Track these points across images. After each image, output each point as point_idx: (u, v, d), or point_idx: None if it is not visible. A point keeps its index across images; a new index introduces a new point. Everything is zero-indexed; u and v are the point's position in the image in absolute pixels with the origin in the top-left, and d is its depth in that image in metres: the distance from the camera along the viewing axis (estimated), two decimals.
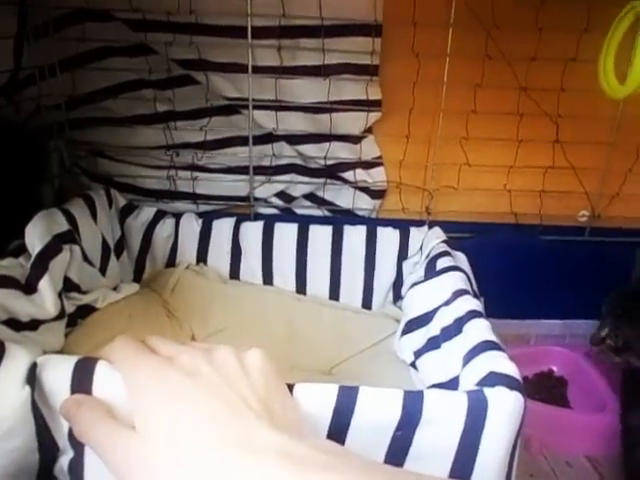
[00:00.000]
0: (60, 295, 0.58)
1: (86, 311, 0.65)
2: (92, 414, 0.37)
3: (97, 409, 0.37)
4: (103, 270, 0.70)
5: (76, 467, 0.39)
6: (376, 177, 0.85)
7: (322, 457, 0.29)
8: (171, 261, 0.79)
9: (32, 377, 0.39)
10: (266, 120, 0.80)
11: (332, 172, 0.84)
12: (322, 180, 0.85)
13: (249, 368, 0.36)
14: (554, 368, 0.82)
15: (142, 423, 0.33)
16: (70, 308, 0.61)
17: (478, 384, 0.42)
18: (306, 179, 0.85)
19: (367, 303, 0.77)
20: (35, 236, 0.57)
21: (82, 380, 0.39)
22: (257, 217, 0.85)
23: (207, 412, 0.32)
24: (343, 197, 0.86)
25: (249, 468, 0.29)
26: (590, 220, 0.89)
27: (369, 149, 0.84)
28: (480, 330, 0.49)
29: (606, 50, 0.64)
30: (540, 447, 0.67)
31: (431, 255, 0.67)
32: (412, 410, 0.39)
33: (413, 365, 0.62)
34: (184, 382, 0.34)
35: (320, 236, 0.78)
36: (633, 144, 0.85)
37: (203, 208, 0.85)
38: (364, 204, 0.86)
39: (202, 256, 0.79)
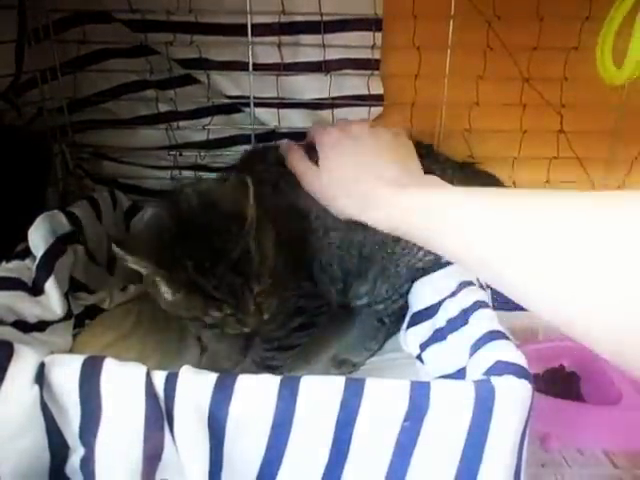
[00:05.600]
0: (67, 296, 0.59)
1: (94, 312, 0.65)
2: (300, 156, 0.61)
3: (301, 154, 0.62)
4: (110, 269, 0.70)
5: (88, 465, 0.40)
6: None
7: None
8: None
9: (40, 377, 0.39)
10: (268, 117, 0.80)
11: None
12: None
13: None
14: (565, 364, 0.81)
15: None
16: (77, 309, 0.61)
17: (485, 373, 0.42)
18: None
19: None
20: (38, 238, 0.58)
21: (90, 379, 0.40)
22: None
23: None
24: None
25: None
26: None
27: None
28: (486, 320, 0.49)
29: (604, 36, 0.64)
30: (557, 443, 0.67)
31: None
32: (419, 401, 0.39)
33: (419, 358, 0.62)
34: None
35: None
36: (638, 133, 0.84)
37: None
38: None
39: None
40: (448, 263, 0.62)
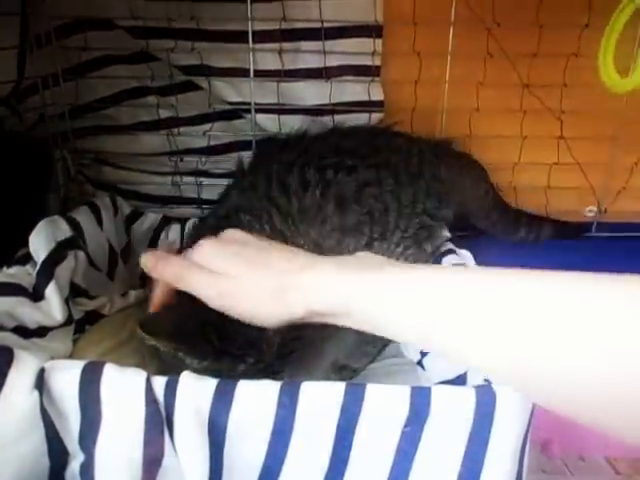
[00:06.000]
0: (67, 301, 0.58)
1: (94, 317, 0.65)
2: (182, 262, 0.48)
3: (183, 260, 0.48)
4: (111, 275, 0.70)
5: (87, 471, 0.40)
6: None
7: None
8: None
9: (40, 382, 0.39)
10: (269, 124, 0.80)
11: None
12: None
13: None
14: None
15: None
16: (78, 314, 0.61)
17: (486, 379, 0.42)
18: None
19: None
20: (39, 244, 0.58)
21: (90, 384, 0.40)
22: None
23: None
24: None
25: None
26: (597, 215, 0.89)
27: None
28: None
29: (606, 43, 0.64)
30: (560, 450, 0.67)
31: (437, 253, 0.67)
32: (420, 407, 0.39)
33: (420, 364, 0.62)
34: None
35: None
36: (638, 138, 0.84)
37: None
38: None
39: None
40: (449, 253, 0.63)
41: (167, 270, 0.48)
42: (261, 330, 0.48)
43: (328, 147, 0.66)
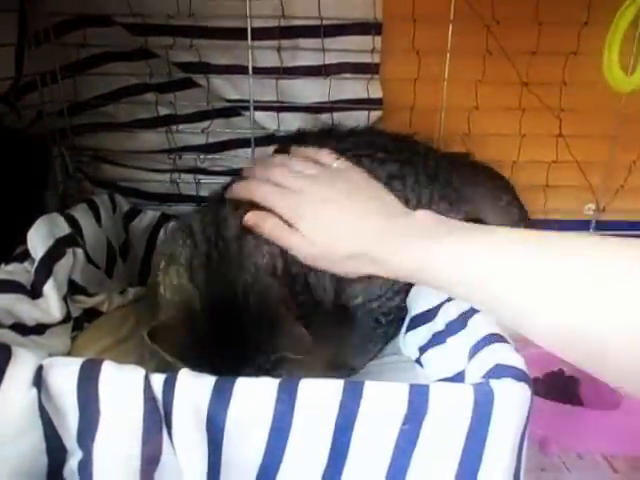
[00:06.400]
0: (65, 299, 0.58)
1: (92, 315, 0.65)
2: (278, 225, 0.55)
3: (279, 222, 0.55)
4: (109, 272, 0.70)
5: (85, 468, 0.39)
6: None
7: None
8: None
9: (38, 380, 0.39)
10: (268, 121, 0.80)
11: None
12: None
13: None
14: (564, 368, 0.81)
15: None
16: (76, 312, 0.61)
17: (484, 377, 0.42)
18: None
19: None
20: (37, 241, 0.57)
21: (88, 382, 0.39)
22: None
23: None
24: None
25: None
26: (595, 213, 0.89)
27: None
28: (485, 323, 0.49)
29: (610, 42, 0.64)
30: (557, 448, 0.67)
31: None
32: (418, 404, 0.39)
33: (418, 361, 0.62)
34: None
35: None
36: (637, 136, 0.84)
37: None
38: None
39: None
40: None
41: (266, 227, 0.55)
42: (263, 353, 0.49)
43: (362, 140, 0.69)
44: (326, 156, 0.60)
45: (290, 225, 0.55)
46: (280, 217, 0.55)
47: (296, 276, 0.58)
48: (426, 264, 0.47)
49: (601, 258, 0.37)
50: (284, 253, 0.56)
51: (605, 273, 0.36)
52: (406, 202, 0.63)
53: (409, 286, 0.65)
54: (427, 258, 0.47)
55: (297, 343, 0.48)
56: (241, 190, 0.60)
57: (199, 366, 0.47)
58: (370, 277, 0.56)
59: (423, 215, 0.52)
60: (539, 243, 0.42)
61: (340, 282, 0.63)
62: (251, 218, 0.56)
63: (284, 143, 0.70)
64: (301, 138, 0.71)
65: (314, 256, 0.54)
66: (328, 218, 0.54)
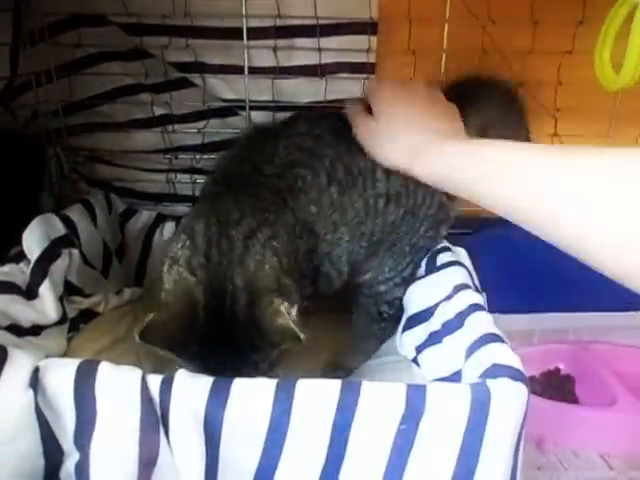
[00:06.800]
0: (61, 299, 0.58)
1: (88, 316, 0.65)
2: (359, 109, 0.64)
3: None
4: (105, 273, 0.70)
5: (82, 470, 0.39)
6: None
7: None
8: None
9: (35, 381, 0.39)
10: (264, 121, 0.80)
11: None
12: None
13: None
14: (560, 366, 0.81)
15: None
16: (72, 312, 0.61)
17: (481, 376, 0.42)
18: None
19: None
20: (33, 242, 0.57)
21: (85, 383, 0.39)
22: None
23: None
24: None
25: None
26: None
27: None
28: (482, 323, 0.49)
29: (602, 41, 0.64)
30: (553, 446, 0.67)
31: (432, 251, 0.67)
32: (415, 404, 0.39)
33: (415, 361, 0.62)
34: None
35: None
36: (631, 136, 0.85)
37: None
38: None
39: None
40: (443, 267, 0.62)
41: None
42: (256, 355, 0.48)
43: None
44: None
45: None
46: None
47: (305, 271, 0.59)
48: (457, 165, 0.52)
49: (623, 169, 0.38)
50: (295, 251, 0.56)
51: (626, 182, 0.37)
52: (415, 180, 0.63)
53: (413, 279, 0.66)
54: (459, 159, 0.52)
55: (289, 337, 0.48)
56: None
57: (191, 358, 0.47)
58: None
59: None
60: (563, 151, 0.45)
61: (355, 264, 0.64)
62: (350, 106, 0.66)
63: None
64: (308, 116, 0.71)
65: (373, 132, 0.61)
66: (397, 110, 0.61)
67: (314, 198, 0.59)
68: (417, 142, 0.57)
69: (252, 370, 0.48)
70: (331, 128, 0.64)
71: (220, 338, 0.48)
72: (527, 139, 0.78)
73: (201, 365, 0.47)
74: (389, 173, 0.62)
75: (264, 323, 0.47)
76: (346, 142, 0.63)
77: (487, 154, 0.50)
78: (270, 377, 0.43)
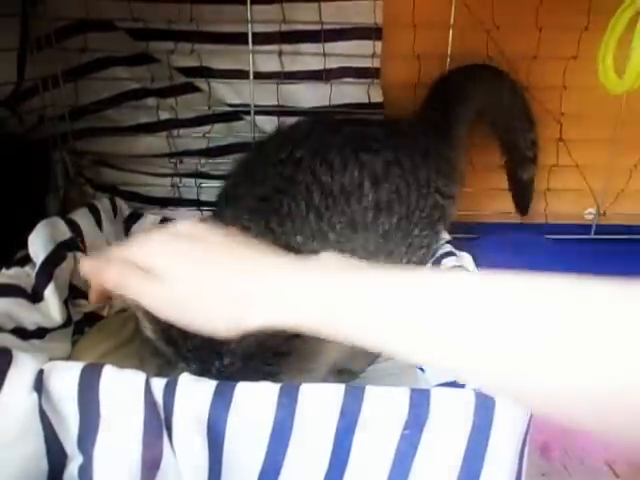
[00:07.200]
0: (66, 303, 0.58)
1: (93, 319, 0.65)
2: (124, 268, 0.42)
3: (126, 264, 0.42)
4: None
5: (86, 473, 0.39)
6: None
7: None
8: None
9: (39, 384, 0.39)
10: (268, 126, 0.80)
11: None
12: None
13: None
14: None
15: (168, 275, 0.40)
16: (77, 316, 0.61)
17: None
18: None
19: None
20: (38, 245, 0.58)
21: (89, 386, 0.39)
22: None
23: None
24: None
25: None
26: (596, 218, 0.89)
27: None
28: None
29: (606, 45, 0.64)
30: (558, 453, 0.67)
31: (436, 256, 0.67)
32: (419, 409, 0.39)
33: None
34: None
35: None
36: (637, 141, 0.84)
37: (208, 215, 0.85)
38: None
39: None
40: (448, 255, 0.63)
41: (107, 277, 0.42)
42: (222, 360, 0.48)
43: (356, 132, 0.68)
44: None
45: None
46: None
47: None
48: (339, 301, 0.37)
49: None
50: None
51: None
52: (407, 185, 0.64)
53: None
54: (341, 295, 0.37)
55: None
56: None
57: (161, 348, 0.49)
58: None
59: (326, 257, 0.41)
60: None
61: None
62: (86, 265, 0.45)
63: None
64: (296, 132, 0.71)
65: (172, 303, 0.41)
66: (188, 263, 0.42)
67: (298, 227, 0.59)
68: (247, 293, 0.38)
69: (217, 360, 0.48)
70: (313, 149, 0.63)
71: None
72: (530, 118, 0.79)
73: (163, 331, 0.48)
74: (377, 182, 0.62)
75: None
76: (329, 158, 0.62)
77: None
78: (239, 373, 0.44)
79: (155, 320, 0.47)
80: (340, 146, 0.64)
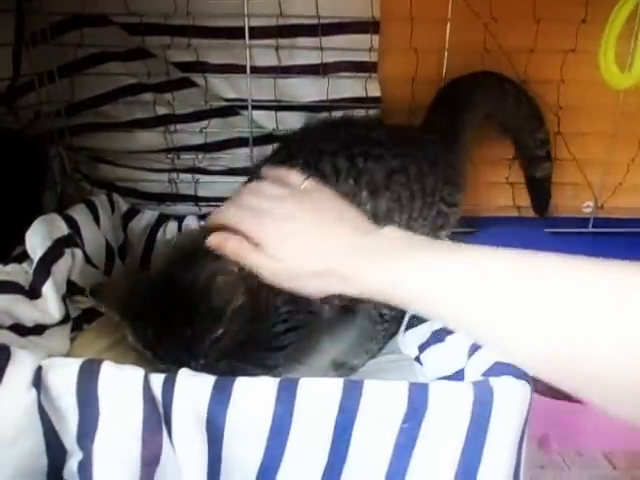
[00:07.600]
0: (64, 299, 0.58)
1: (91, 315, 0.65)
2: (241, 242, 0.52)
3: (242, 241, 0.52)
4: (108, 273, 0.70)
5: (85, 469, 0.39)
6: None
7: None
8: None
9: (38, 380, 0.39)
10: (266, 120, 0.80)
11: None
12: None
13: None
14: None
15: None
16: (75, 312, 0.61)
17: (484, 375, 0.42)
18: None
19: None
20: (36, 241, 0.57)
21: (88, 382, 0.40)
22: None
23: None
24: None
25: None
26: (594, 211, 0.89)
27: None
28: None
29: (606, 39, 0.64)
30: (556, 445, 0.67)
31: None
32: (418, 402, 0.39)
33: (417, 359, 0.62)
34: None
35: None
36: (635, 134, 0.84)
37: (205, 210, 0.84)
38: None
39: None
40: None
41: (229, 251, 0.52)
42: (197, 359, 0.50)
43: (355, 136, 0.67)
44: (294, 177, 0.58)
45: (256, 245, 0.52)
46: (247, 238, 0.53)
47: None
48: (395, 281, 0.45)
49: (586, 282, 0.39)
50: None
51: (591, 297, 0.37)
52: (411, 196, 0.63)
53: None
54: (396, 275, 0.45)
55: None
56: (212, 218, 0.59)
57: (134, 330, 0.52)
58: None
59: (390, 231, 0.50)
60: (515, 263, 0.42)
61: None
62: (214, 239, 0.53)
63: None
64: (297, 138, 0.71)
65: (278, 274, 0.51)
66: (292, 235, 0.51)
67: None
68: (336, 269, 0.49)
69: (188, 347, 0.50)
70: (306, 161, 0.62)
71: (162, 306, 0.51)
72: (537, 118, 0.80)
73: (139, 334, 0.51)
74: (376, 191, 0.61)
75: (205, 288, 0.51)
76: (320, 169, 0.61)
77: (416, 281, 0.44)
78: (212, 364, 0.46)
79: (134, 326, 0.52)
80: (333, 152, 0.62)
